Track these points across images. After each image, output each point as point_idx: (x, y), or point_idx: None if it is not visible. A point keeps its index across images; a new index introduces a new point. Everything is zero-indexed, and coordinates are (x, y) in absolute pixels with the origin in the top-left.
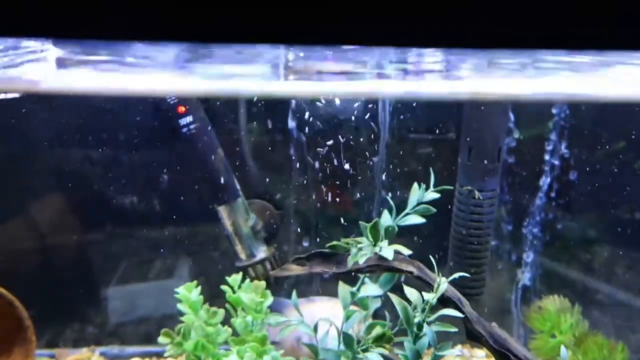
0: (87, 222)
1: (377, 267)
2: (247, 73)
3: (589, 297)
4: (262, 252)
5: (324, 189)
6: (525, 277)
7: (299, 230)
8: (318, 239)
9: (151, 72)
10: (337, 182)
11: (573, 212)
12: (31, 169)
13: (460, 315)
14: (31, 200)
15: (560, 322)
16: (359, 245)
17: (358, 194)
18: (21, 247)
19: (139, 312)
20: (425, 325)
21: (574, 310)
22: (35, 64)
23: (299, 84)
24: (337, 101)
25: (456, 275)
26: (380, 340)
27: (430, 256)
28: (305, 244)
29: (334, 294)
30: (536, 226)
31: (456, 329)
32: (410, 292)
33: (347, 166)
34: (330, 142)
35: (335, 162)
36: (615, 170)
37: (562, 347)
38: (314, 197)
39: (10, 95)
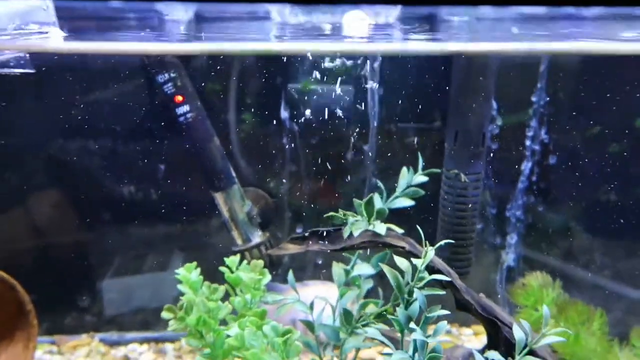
0: (86, 212)
1: (371, 243)
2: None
3: (568, 278)
4: (257, 237)
5: (316, 177)
6: (509, 257)
7: (291, 216)
8: (310, 225)
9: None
10: (328, 170)
11: (553, 196)
12: (27, 162)
13: (447, 279)
14: (33, 190)
15: (542, 296)
16: (352, 219)
17: (349, 180)
18: (24, 237)
19: (136, 301)
20: (415, 290)
21: (555, 284)
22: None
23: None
24: (326, 90)
25: (442, 242)
26: (380, 317)
27: (420, 229)
28: (299, 230)
29: (326, 279)
30: (518, 209)
31: (444, 292)
32: (400, 261)
33: (338, 154)
34: (321, 131)
35: (326, 150)
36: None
37: (544, 307)
38: (305, 184)
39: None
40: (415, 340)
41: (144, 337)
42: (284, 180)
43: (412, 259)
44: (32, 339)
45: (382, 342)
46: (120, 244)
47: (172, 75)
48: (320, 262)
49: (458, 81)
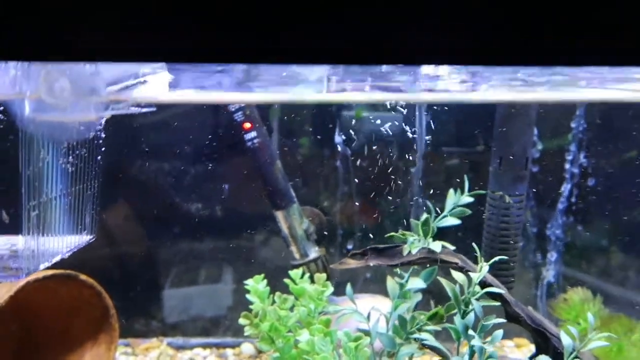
0: (158, 228)
1: (426, 259)
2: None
3: (606, 294)
4: (314, 252)
5: (367, 197)
6: (549, 274)
7: (343, 234)
8: (361, 242)
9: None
10: (379, 190)
11: (591, 216)
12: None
13: (502, 291)
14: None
15: (584, 310)
16: (412, 238)
17: (398, 201)
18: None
19: (195, 310)
20: (472, 300)
21: (596, 300)
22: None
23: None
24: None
25: (496, 259)
26: (433, 318)
27: (476, 247)
28: (349, 246)
29: (374, 292)
30: (559, 228)
31: (499, 303)
32: (456, 275)
33: (388, 175)
34: (372, 154)
35: (377, 171)
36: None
37: (589, 315)
38: (357, 203)
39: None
40: (472, 347)
41: (206, 342)
42: (337, 200)
43: (469, 273)
44: (114, 341)
45: (435, 348)
46: (189, 259)
47: (242, 104)
48: (368, 276)
49: (502, 110)
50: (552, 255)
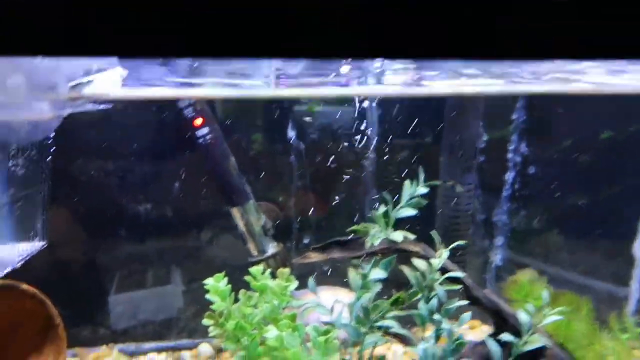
0: (102, 229)
1: (388, 249)
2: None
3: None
4: (272, 248)
5: (321, 191)
6: (497, 258)
7: (299, 229)
8: (317, 236)
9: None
10: (333, 185)
11: (532, 202)
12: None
13: (461, 275)
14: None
15: (532, 289)
16: (373, 230)
17: (352, 193)
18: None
19: (143, 314)
20: (436, 285)
21: (541, 280)
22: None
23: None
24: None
25: (455, 244)
26: (395, 303)
27: (436, 234)
28: (306, 240)
29: (330, 285)
30: (504, 215)
31: (460, 287)
32: (417, 262)
33: (341, 169)
34: (326, 147)
35: (332, 165)
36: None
37: (544, 291)
38: (311, 198)
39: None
40: (438, 330)
41: (160, 347)
42: (291, 195)
43: (430, 260)
44: (62, 352)
45: (399, 335)
46: (141, 257)
47: (193, 100)
48: (326, 269)
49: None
50: (499, 240)
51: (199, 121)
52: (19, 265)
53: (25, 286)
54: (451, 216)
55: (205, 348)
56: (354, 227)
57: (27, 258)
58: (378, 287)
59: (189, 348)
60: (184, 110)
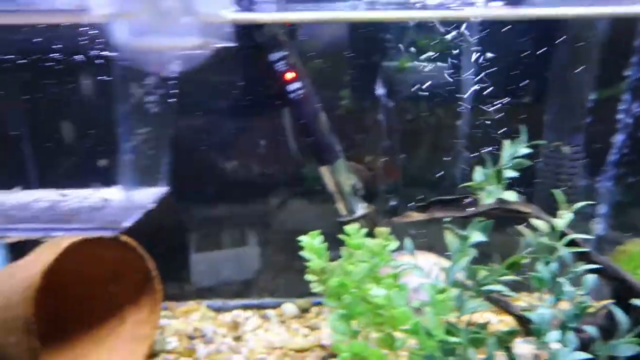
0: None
1: (498, 209)
2: None
3: None
4: (361, 209)
5: (410, 151)
6: (599, 227)
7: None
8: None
9: None
10: (425, 144)
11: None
12: None
13: (588, 237)
14: None
15: None
16: (489, 187)
17: (447, 155)
18: None
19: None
20: (560, 247)
21: None
22: None
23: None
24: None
25: (580, 204)
26: (511, 267)
27: (558, 193)
28: (394, 202)
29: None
30: (610, 180)
31: (589, 249)
32: (537, 223)
33: (432, 128)
34: (417, 106)
35: (421, 124)
36: None
37: None
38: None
39: None
40: (559, 294)
41: (245, 304)
42: (380, 155)
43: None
44: (157, 304)
45: (500, 302)
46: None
47: (284, 53)
48: (413, 232)
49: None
50: (603, 209)
51: (290, 75)
52: (150, 207)
53: (126, 239)
54: (554, 180)
55: (289, 307)
56: (467, 184)
57: (157, 202)
58: (474, 252)
59: (273, 307)
60: (274, 64)
